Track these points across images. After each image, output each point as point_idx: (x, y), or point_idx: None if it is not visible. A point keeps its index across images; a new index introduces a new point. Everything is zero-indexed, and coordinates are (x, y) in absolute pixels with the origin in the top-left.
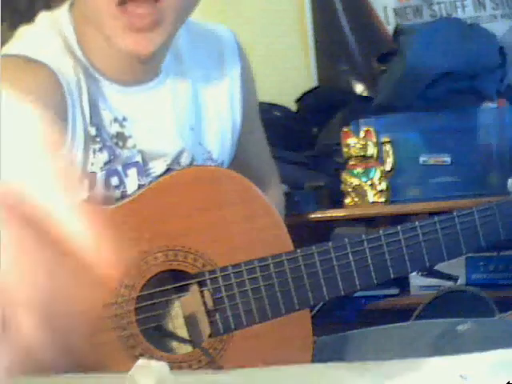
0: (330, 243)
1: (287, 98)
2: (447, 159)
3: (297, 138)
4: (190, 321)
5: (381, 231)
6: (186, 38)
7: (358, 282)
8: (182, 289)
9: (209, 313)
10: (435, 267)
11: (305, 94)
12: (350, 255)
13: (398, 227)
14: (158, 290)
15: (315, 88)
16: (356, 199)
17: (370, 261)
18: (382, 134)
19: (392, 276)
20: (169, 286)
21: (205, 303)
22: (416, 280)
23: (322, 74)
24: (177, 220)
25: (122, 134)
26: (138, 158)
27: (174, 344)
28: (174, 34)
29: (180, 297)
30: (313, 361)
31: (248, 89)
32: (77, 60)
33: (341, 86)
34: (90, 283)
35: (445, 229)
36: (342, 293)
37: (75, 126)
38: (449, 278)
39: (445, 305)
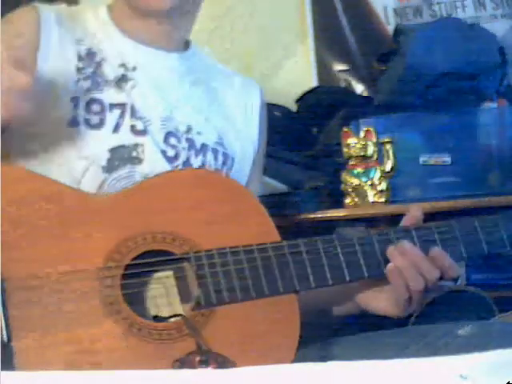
0: (318, 238)
1: (287, 98)
2: (447, 159)
3: (297, 138)
4: (173, 295)
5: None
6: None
7: (347, 273)
8: (169, 267)
9: (192, 288)
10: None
11: (305, 94)
12: (338, 248)
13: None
14: (143, 261)
15: (315, 88)
16: (356, 199)
17: (360, 256)
18: (382, 134)
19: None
20: (153, 259)
21: (188, 279)
22: None
23: (321, 74)
24: (168, 212)
25: (125, 76)
26: (127, 100)
27: (156, 313)
28: (189, 4)
29: (165, 272)
30: (298, 348)
31: (262, 133)
32: (97, 17)
33: (341, 85)
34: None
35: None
36: (330, 283)
37: (47, 56)
38: None
39: (445, 305)
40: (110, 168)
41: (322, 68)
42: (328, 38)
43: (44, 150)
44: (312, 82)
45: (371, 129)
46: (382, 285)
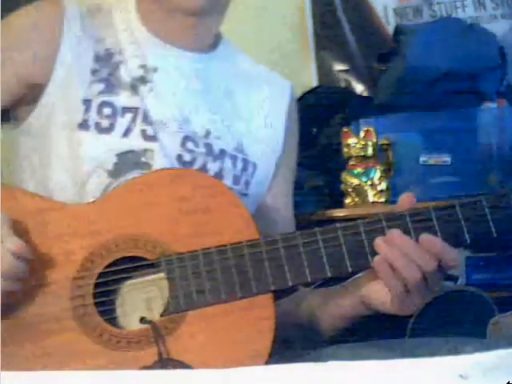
0: (298, 232)
1: None
2: (447, 159)
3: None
4: (144, 301)
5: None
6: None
7: (328, 269)
8: (140, 272)
9: (161, 294)
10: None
11: (305, 94)
12: (319, 242)
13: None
14: (115, 268)
15: (315, 88)
16: (356, 199)
17: (344, 248)
18: (382, 134)
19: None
20: (125, 266)
21: (159, 285)
22: None
23: (321, 74)
24: (140, 214)
25: (144, 78)
26: (140, 105)
27: (125, 323)
28: (219, 4)
29: (136, 278)
30: (271, 350)
31: (289, 135)
32: (124, 14)
33: (341, 85)
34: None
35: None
36: (309, 279)
37: (65, 56)
38: (449, 278)
39: (445, 305)
40: (116, 173)
41: (322, 68)
42: (328, 37)
43: (51, 152)
44: (312, 82)
45: (371, 129)
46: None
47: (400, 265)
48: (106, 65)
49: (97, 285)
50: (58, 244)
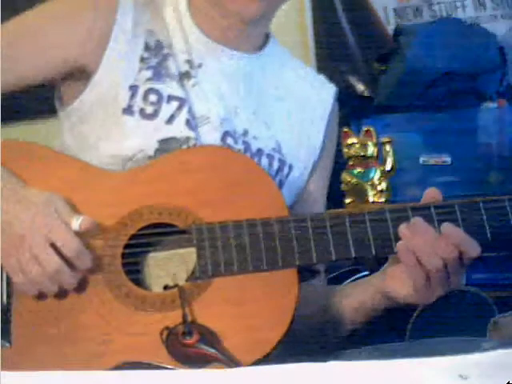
0: (326, 213)
1: None
2: (447, 159)
3: None
4: (173, 266)
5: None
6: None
7: (352, 250)
8: (169, 240)
9: (187, 267)
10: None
11: None
12: (346, 219)
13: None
14: (146, 232)
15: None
16: (356, 199)
17: (369, 232)
18: (382, 134)
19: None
20: (156, 231)
21: (184, 257)
22: None
23: (321, 74)
24: (177, 184)
25: (189, 73)
26: (186, 96)
27: (153, 284)
28: (273, 10)
29: (165, 244)
30: (290, 326)
31: (329, 139)
32: (175, 8)
33: (341, 86)
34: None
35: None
36: (333, 258)
37: (118, 40)
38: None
39: (445, 305)
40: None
41: (322, 68)
42: (328, 37)
43: (95, 134)
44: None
45: (371, 129)
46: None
47: (422, 252)
48: (155, 54)
49: (126, 246)
50: (89, 204)
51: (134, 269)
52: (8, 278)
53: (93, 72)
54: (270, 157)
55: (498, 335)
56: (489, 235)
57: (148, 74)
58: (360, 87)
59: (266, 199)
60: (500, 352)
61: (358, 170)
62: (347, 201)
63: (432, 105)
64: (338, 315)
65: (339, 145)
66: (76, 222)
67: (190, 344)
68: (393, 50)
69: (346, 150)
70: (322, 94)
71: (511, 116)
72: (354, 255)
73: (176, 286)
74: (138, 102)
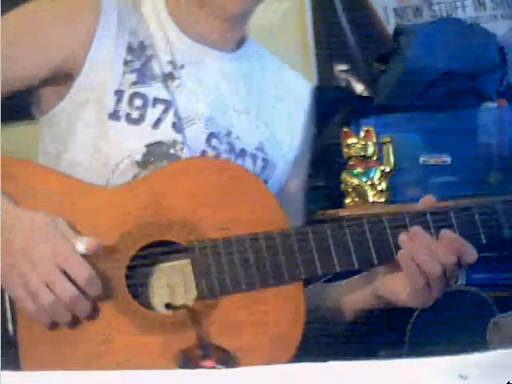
0: (326, 224)
1: None
2: (447, 159)
3: None
4: (177, 285)
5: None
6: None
7: (355, 259)
8: (174, 257)
9: (196, 279)
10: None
11: None
12: (347, 231)
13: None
14: (148, 252)
15: (315, 88)
16: (356, 199)
17: (370, 241)
18: (382, 134)
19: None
20: (159, 250)
21: (193, 270)
22: None
23: (321, 74)
24: (176, 199)
25: (172, 74)
26: (171, 98)
27: (159, 306)
28: (254, 6)
29: (169, 262)
30: (303, 338)
31: (307, 134)
32: (154, 7)
33: (341, 86)
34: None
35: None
36: (338, 269)
37: (101, 43)
38: None
39: (445, 305)
40: (144, 163)
41: (322, 68)
42: (328, 37)
43: (82, 139)
44: (312, 82)
45: (371, 129)
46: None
47: (423, 260)
48: (139, 56)
49: (129, 268)
50: (86, 224)
51: (139, 290)
52: (11, 304)
53: (76, 75)
54: (254, 156)
55: (498, 335)
56: (483, 239)
57: (132, 77)
58: (360, 87)
59: (266, 212)
60: (500, 352)
61: (358, 169)
62: (347, 201)
63: (432, 105)
64: (333, 313)
65: (339, 145)
66: (81, 245)
67: (209, 367)
68: (393, 50)
69: (345, 149)
70: (300, 89)
71: (511, 116)
72: (356, 266)
73: (183, 306)
74: (124, 107)
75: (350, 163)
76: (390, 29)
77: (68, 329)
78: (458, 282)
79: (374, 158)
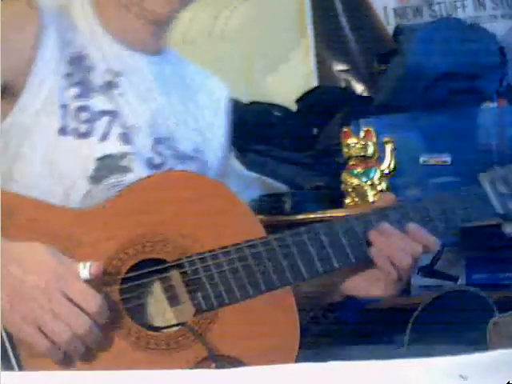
0: (303, 228)
1: (287, 98)
2: (447, 159)
3: (297, 138)
4: (173, 303)
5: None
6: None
7: (334, 260)
8: (164, 275)
9: (191, 294)
10: (435, 267)
11: (305, 94)
12: (323, 236)
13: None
14: (137, 273)
15: (315, 88)
16: (356, 199)
17: (344, 241)
18: (382, 134)
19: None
20: (148, 270)
21: (186, 285)
22: (416, 280)
23: (321, 74)
24: (154, 215)
25: (111, 82)
26: (115, 108)
27: (160, 324)
28: (181, 9)
29: (161, 280)
30: (300, 343)
31: (228, 131)
32: (84, 14)
33: (341, 85)
34: None
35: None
36: (321, 271)
37: (44, 57)
38: (449, 277)
39: (445, 305)
40: (96, 178)
41: (322, 68)
42: (328, 37)
43: (33, 156)
44: (312, 82)
45: (371, 129)
46: (365, 269)
47: (394, 254)
48: (78, 68)
49: (121, 290)
50: (71, 249)
51: (136, 312)
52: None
53: (19, 92)
54: (193, 159)
55: (498, 335)
56: (440, 228)
57: (75, 90)
58: (360, 87)
59: (243, 223)
60: (500, 352)
61: (358, 169)
62: (347, 201)
63: (432, 105)
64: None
65: (339, 145)
66: (85, 270)
67: None
68: (393, 50)
69: (345, 149)
70: (218, 90)
71: (511, 116)
72: (336, 266)
73: (184, 323)
74: (71, 122)
75: (350, 163)
76: (390, 29)
77: (81, 361)
78: (458, 282)
79: (374, 158)
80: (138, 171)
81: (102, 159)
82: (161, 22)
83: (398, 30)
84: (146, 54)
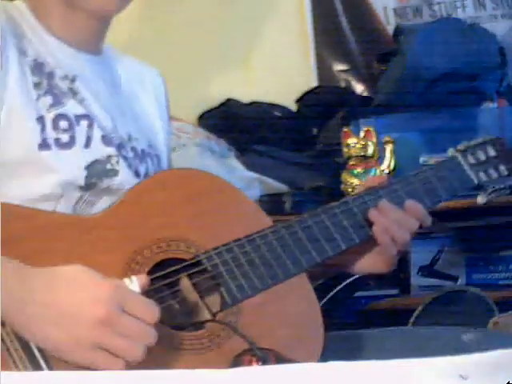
0: (305, 214)
1: (287, 98)
2: None
3: (297, 138)
4: (195, 301)
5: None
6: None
7: (341, 242)
8: (184, 274)
9: (215, 289)
10: (435, 267)
11: (305, 94)
12: (325, 221)
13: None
14: (157, 275)
15: (315, 88)
16: None
17: (346, 223)
18: (382, 134)
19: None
20: (167, 270)
21: (208, 281)
22: (416, 280)
23: (321, 74)
24: (162, 216)
25: (71, 89)
26: (87, 112)
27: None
28: (125, 6)
29: (184, 279)
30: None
31: (168, 119)
32: (25, 21)
33: (341, 85)
34: None
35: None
36: (331, 254)
37: (7, 71)
38: (449, 277)
39: (445, 305)
40: (87, 186)
41: (322, 68)
42: (328, 37)
43: (17, 178)
44: (312, 82)
45: (371, 129)
46: (367, 249)
47: (394, 230)
48: (42, 76)
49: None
50: (90, 259)
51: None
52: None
53: None
54: (150, 155)
55: None
56: (427, 203)
57: (48, 99)
58: (360, 87)
59: (249, 215)
60: (500, 352)
61: (358, 169)
62: None
63: (432, 105)
64: None
65: (339, 145)
66: (134, 286)
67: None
68: (393, 50)
69: (345, 149)
70: (157, 82)
71: (511, 116)
72: (343, 247)
73: (213, 320)
74: (50, 133)
75: (350, 163)
76: (390, 29)
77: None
78: (458, 282)
79: (374, 157)
80: (124, 172)
81: (90, 166)
82: (106, 21)
83: (398, 30)
84: (91, 54)
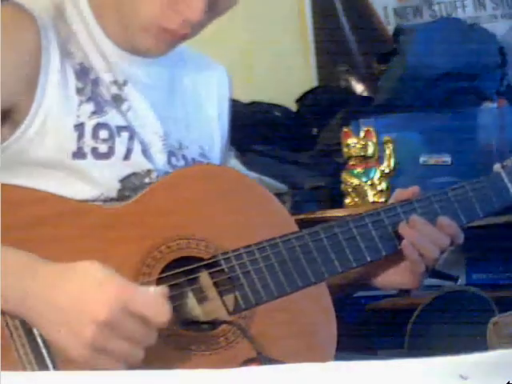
0: (334, 222)
1: (287, 98)
2: (447, 159)
3: (297, 138)
4: (208, 302)
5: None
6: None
7: (366, 254)
8: (199, 274)
9: (229, 292)
10: (435, 267)
11: (305, 94)
12: (353, 230)
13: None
14: (173, 272)
15: (315, 88)
16: (356, 199)
17: (374, 234)
18: (382, 134)
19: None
20: (184, 268)
21: (223, 283)
22: None
23: (321, 74)
24: (184, 212)
25: (119, 95)
26: (128, 123)
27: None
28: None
29: (199, 279)
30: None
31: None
32: (81, 18)
33: (341, 85)
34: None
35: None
36: (354, 265)
37: (47, 74)
38: (449, 277)
39: (445, 305)
40: (119, 198)
41: (322, 68)
42: (328, 37)
43: (47, 181)
44: (312, 82)
45: (371, 129)
46: (395, 263)
47: (423, 246)
48: (87, 81)
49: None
50: (105, 250)
51: (174, 310)
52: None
53: (21, 115)
54: (201, 163)
55: (498, 335)
56: (464, 220)
57: (90, 106)
58: (360, 87)
59: (275, 218)
60: (500, 352)
61: (358, 169)
62: (347, 201)
63: (432, 105)
64: None
65: (339, 145)
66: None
67: None
68: (393, 50)
69: (345, 149)
70: (222, 82)
71: (511, 116)
72: (368, 258)
73: (225, 321)
74: (88, 142)
75: (350, 163)
76: (390, 29)
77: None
78: (458, 282)
79: (374, 157)
80: None
81: (125, 179)
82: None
83: (398, 30)
84: (147, 57)
